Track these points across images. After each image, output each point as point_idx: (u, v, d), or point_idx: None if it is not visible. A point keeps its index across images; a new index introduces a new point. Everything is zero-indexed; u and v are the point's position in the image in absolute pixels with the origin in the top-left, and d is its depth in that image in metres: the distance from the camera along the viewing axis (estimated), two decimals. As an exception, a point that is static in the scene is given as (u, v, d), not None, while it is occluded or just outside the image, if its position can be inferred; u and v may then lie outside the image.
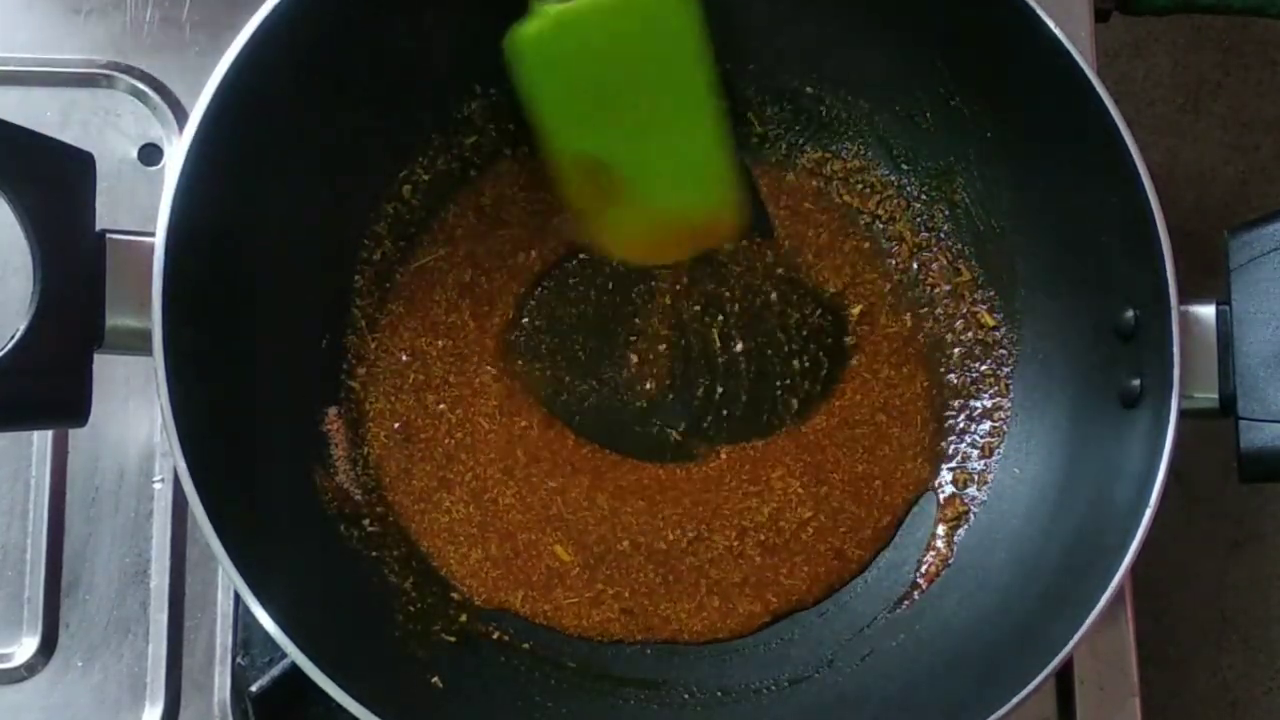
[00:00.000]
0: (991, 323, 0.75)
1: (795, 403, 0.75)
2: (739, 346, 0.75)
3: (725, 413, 0.75)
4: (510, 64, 0.69)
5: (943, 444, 0.75)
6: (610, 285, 0.76)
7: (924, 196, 0.77)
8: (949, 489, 0.74)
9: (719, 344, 0.75)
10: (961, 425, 0.75)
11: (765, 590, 0.72)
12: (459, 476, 0.72)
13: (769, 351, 0.76)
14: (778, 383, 0.75)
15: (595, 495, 0.73)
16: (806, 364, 0.76)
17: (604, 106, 0.70)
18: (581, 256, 0.76)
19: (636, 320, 0.75)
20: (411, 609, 0.69)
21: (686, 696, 0.70)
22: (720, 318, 0.76)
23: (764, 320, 0.76)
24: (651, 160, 0.72)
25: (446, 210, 0.75)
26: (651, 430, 0.74)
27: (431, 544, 0.72)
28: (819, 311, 0.76)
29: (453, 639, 0.69)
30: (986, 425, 0.75)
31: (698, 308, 0.76)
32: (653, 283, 0.76)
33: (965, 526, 0.73)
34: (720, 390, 0.75)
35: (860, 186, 0.78)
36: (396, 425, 0.72)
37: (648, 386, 0.75)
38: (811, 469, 0.74)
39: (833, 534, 0.73)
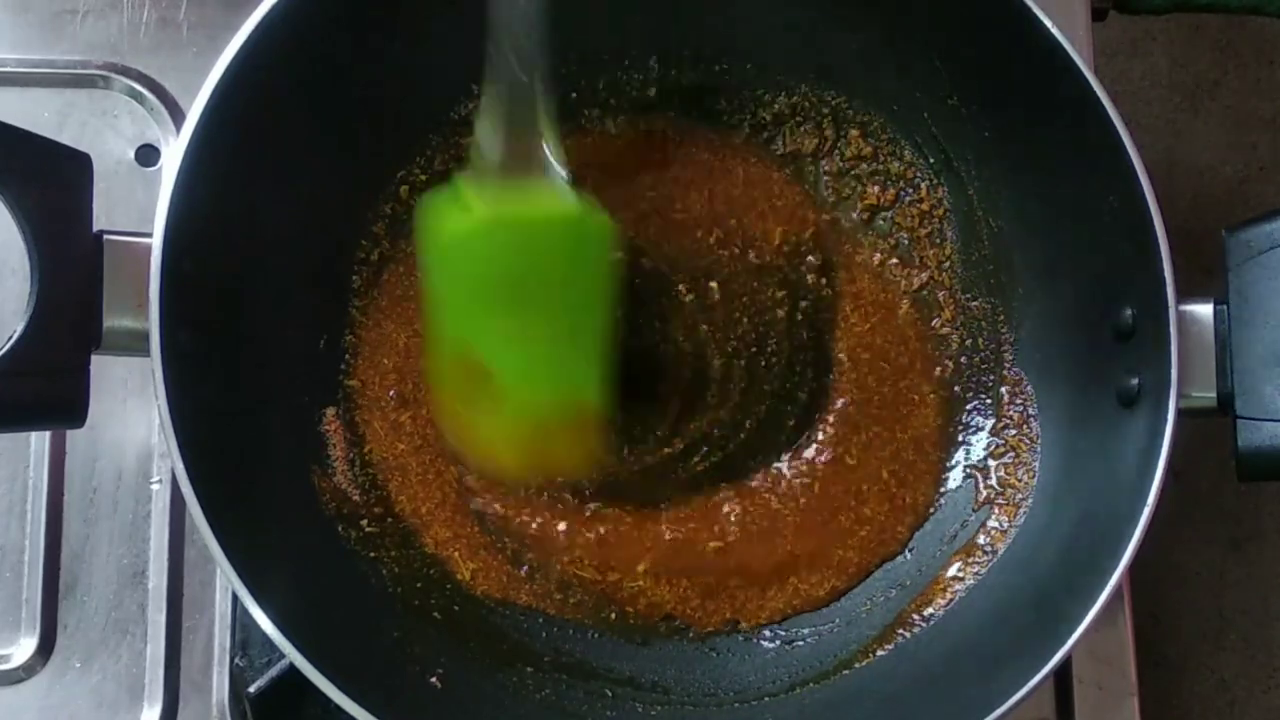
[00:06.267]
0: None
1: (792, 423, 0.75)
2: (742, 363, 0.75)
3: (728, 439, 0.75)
4: (421, 233, 0.67)
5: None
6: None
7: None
8: (947, 488, 0.74)
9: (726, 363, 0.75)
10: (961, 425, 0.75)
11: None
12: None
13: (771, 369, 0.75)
14: (784, 405, 0.75)
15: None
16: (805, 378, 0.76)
17: (499, 307, 0.66)
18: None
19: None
20: (410, 609, 0.69)
21: (687, 696, 0.71)
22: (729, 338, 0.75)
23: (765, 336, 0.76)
24: (529, 369, 0.67)
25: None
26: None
27: (443, 551, 0.72)
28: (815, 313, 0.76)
29: (452, 638, 0.69)
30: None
31: (706, 327, 0.75)
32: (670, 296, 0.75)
33: (964, 526, 0.73)
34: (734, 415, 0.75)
35: (858, 185, 0.77)
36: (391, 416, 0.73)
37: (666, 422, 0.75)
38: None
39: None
